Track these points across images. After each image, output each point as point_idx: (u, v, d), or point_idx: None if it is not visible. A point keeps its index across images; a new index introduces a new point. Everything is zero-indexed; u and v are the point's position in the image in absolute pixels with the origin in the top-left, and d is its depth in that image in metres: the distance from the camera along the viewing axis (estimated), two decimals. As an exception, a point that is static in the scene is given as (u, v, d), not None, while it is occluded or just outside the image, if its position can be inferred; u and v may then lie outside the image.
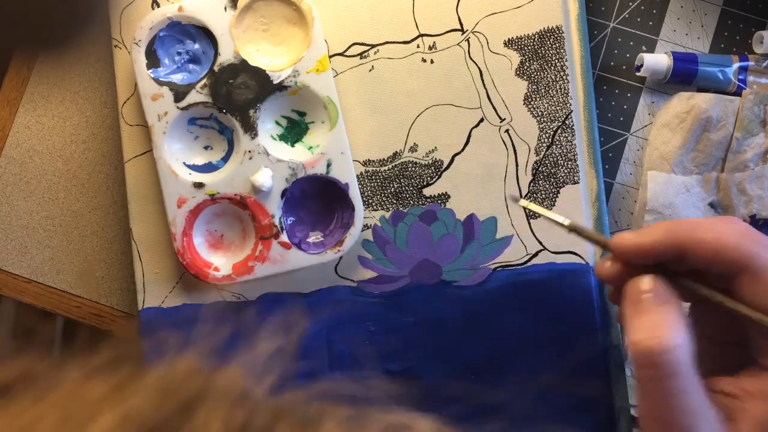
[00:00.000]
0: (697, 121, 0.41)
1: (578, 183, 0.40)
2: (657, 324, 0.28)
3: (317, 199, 0.40)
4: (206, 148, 0.40)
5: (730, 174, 0.41)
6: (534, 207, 0.35)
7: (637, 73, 0.42)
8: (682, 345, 0.27)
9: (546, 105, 0.40)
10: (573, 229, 0.32)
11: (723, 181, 0.41)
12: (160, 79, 0.39)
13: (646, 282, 0.29)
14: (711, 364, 0.29)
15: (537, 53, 0.40)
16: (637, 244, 0.30)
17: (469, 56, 0.40)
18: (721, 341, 0.31)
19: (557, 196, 0.40)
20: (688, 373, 0.27)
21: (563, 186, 0.40)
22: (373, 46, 0.40)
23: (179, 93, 0.39)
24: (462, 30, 0.40)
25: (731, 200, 0.41)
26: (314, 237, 0.40)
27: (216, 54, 0.39)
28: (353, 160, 0.40)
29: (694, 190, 0.41)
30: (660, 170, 0.41)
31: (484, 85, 0.40)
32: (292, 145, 0.40)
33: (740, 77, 0.42)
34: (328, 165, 0.39)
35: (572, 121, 0.40)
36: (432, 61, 0.40)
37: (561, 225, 0.33)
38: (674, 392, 0.27)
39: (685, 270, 0.30)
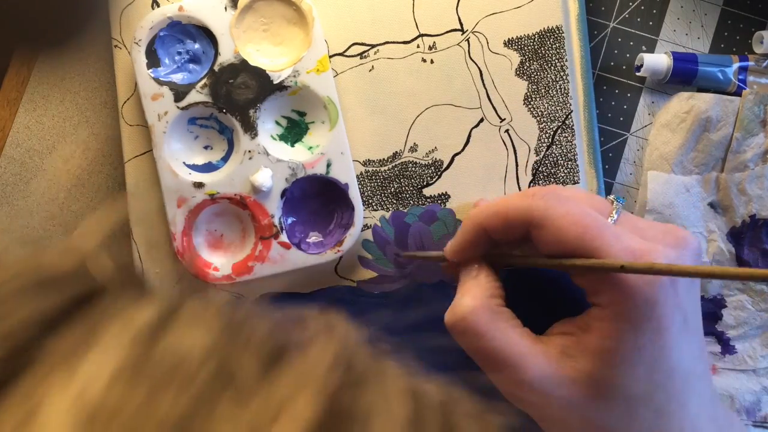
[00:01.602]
0: (697, 121, 0.41)
1: (578, 183, 0.40)
2: (458, 298, 0.32)
3: (317, 199, 0.40)
4: (206, 147, 0.40)
5: (730, 174, 0.41)
6: (411, 254, 0.40)
7: (637, 73, 0.42)
8: (478, 308, 0.31)
9: (546, 105, 0.40)
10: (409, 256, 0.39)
11: (723, 181, 0.41)
12: (160, 78, 0.39)
13: (463, 268, 0.34)
14: None
15: (537, 53, 0.40)
16: (454, 246, 0.34)
17: (469, 56, 0.40)
18: None
19: (557, 196, 0.40)
20: (493, 328, 0.31)
21: (563, 186, 0.40)
22: (373, 46, 0.40)
23: (179, 93, 0.39)
24: (462, 30, 0.40)
25: (731, 200, 0.41)
26: (314, 237, 0.40)
27: (216, 54, 0.39)
28: (353, 160, 0.40)
29: (693, 190, 0.41)
30: (660, 170, 0.41)
31: (484, 85, 0.40)
32: (292, 145, 0.40)
33: (740, 77, 0.42)
34: (328, 165, 0.39)
35: (572, 121, 0.40)
36: (432, 61, 0.40)
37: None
38: (486, 349, 0.31)
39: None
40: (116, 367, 0.13)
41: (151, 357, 0.13)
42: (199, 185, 0.39)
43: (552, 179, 0.40)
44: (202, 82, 0.39)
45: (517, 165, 0.40)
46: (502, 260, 0.34)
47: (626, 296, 0.29)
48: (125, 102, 0.40)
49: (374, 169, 0.41)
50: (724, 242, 0.42)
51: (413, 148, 0.40)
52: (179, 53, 0.40)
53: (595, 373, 0.29)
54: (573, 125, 0.40)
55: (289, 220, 0.40)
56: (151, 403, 0.12)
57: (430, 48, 0.40)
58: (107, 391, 0.12)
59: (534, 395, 0.30)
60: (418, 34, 0.40)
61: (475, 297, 0.32)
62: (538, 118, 0.40)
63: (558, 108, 0.40)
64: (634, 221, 0.33)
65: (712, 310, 0.42)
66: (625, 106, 0.43)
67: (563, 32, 0.40)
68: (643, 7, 0.43)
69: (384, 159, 0.40)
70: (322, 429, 0.13)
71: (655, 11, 0.43)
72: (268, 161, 0.39)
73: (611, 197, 0.35)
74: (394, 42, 0.40)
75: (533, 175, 0.40)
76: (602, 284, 0.30)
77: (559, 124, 0.40)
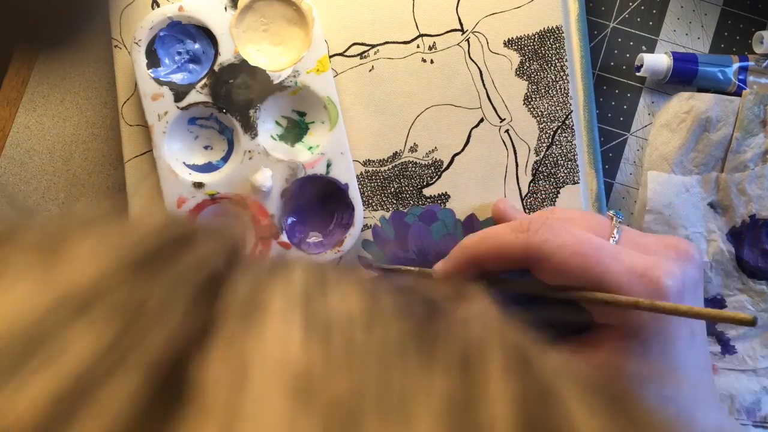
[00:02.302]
0: (697, 121, 0.41)
1: (578, 183, 0.40)
2: None
3: (317, 199, 0.40)
4: (206, 148, 0.40)
5: (730, 174, 0.41)
6: (385, 267, 0.39)
7: (637, 73, 0.42)
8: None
9: (546, 105, 0.40)
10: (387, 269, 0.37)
11: (723, 181, 0.41)
12: (160, 78, 0.39)
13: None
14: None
15: (537, 53, 0.40)
16: (446, 271, 0.34)
17: (469, 56, 0.40)
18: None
19: (557, 196, 0.40)
20: None
21: (563, 186, 0.40)
22: (373, 46, 0.40)
23: (179, 93, 0.39)
24: (462, 30, 0.40)
25: (731, 200, 0.41)
26: (314, 237, 0.40)
27: (216, 54, 0.39)
28: (353, 160, 0.40)
29: (693, 190, 0.41)
30: (660, 170, 0.41)
31: (484, 85, 0.40)
32: (292, 145, 0.40)
33: (740, 77, 0.42)
34: (328, 165, 0.39)
35: (572, 121, 0.40)
36: (432, 61, 0.40)
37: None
38: None
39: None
40: (301, 328, 0.13)
41: (317, 314, 0.13)
42: (199, 185, 0.39)
43: (552, 179, 0.40)
44: (202, 82, 0.39)
45: (517, 165, 0.40)
46: (503, 285, 0.34)
47: (635, 315, 0.29)
48: (125, 102, 0.40)
49: (374, 169, 0.40)
50: (724, 242, 0.42)
51: (413, 148, 0.40)
52: (179, 53, 0.40)
53: None
54: (573, 125, 0.40)
55: (289, 220, 0.40)
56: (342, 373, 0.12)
57: (430, 48, 0.40)
58: (305, 355, 0.12)
59: None
60: (418, 34, 0.40)
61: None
62: (538, 118, 0.40)
63: (558, 108, 0.40)
64: (636, 238, 0.32)
65: None
66: (625, 106, 0.43)
67: (563, 32, 0.40)
68: (643, 7, 0.43)
69: (384, 159, 0.40)
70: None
71: (655, 11, 0.43)
72: (268, 161, 0.39)
73: (610, 213, 0.34)
74: (394, 42, 0.40)
75: (533, 175, 0.40)
76: (610, 307, 0.30)
77: (559, 124, 0.40)
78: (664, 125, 0.42)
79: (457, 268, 0.33)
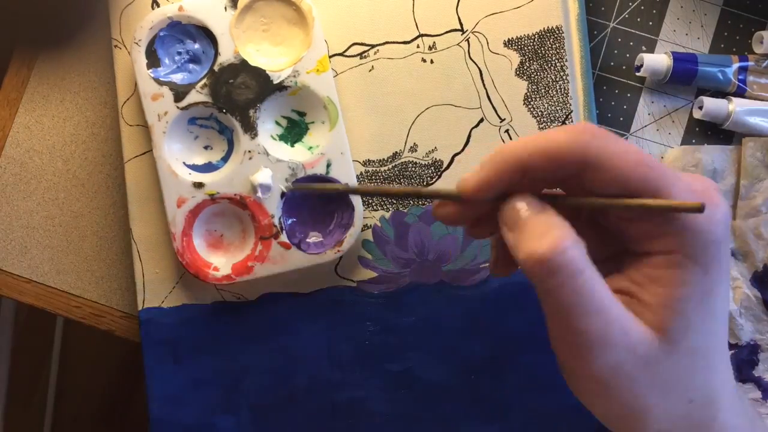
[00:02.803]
0: (705, 173, 0.42)
1: (578, 183, 0.40)
2: (544, 231, 0.27)
3: (317, 200, 0.40)
4: (206, 147, 0.40)
5: (744, 221, 0.42)
6: (304, 186, 0.36)
7: (637, 73, 0.42)
8: (577, 242, 0.27)
9: (546, 105, 0.40)
10: (348, 191, 0.32)
11: (738, 228, 0.42)
12: (160, 78, 0.39)
13: (519, 201, 0.28)
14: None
15: (537, 53, 0.40)
16: (478, 181, 0.28)
17: (469, 56, 0.40)
18: (596, 259, 0.29)
19: (557, 196, 0.40)
20: (591, 270, 0.27)
21: (563, 186, 0.40)
22: (373, 46, 0.40)
23: (179, 93, 0.39)
24: (462, 30, 0.40)
25: (749, 246, 0.42)
26: (314, 237, 0.40)
27: (216, 54, 0.39)
28: (353, 160, 0.40)
29: None
30: None
31: (484, 85, 0.40)
32: (292, 146, 0.40)
33: (740, 77, 0.42)
34: (328, 165, 0.39)
35: (572, 121, 0.40)
36: (432, 61, 0.40)
37: (341, 190, 0.32)
38: (583, 292, 0.26)
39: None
40: None
41: None
42: (199, 185, 0.39)
43: (552, 179, 0.40)
44: (202, 82, 0.39)
45: (517, 165, 0.40)
46: (550, 201, 0.29)
47: (697, 238, 0.27)
48: (125, 102, 0.40)
49: (374, 169, 0.41)
50: (749, 288, 0.42)
51: (413, 148, 0.40)
52: (179, 53, 0.40)
53: (668, 327, 0.27)
54: (573, 125, 0.40)
55: (289, 221, 0.40)
56: None
57: (430, 48, 0.40)
58: None
59: (615, 352, 0.27)
60: (418, 34, 0.40)
61: (568, 232, 0.27)
62: (538, 118, 0.40)
63: (558, 108, 0.40)
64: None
65: (748, 357, 0.42)
66: (625, 106, 0.43)
67: (563, 32, 0.40)
68: (643, 7, 0.43)
69: (384, 159, 0.40)
70: None
71: (655, 11, 0.43)
72: (268, 161, 0.39)
73: None
74: (394, 42, 0.40)
75: (533, 175, 0.40)
76: (665, 228, 0.27)
77: (559, 124, 0.40)
78: None
79: (496, 174, 0.28)
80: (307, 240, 0.40)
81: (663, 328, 0.27)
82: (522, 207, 0.28)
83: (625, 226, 0.29)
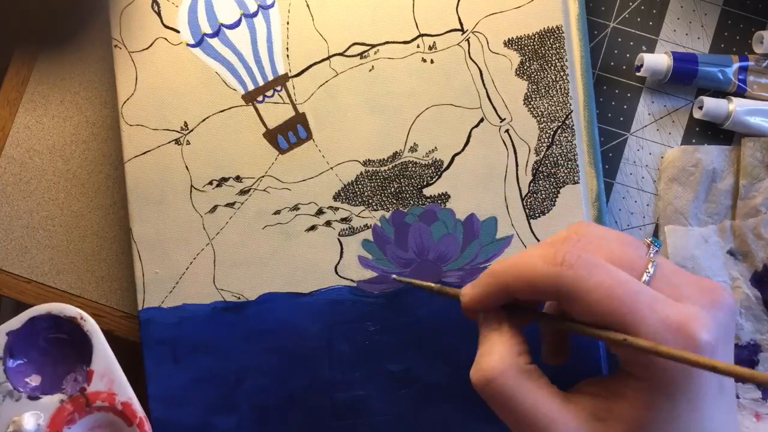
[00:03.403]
0: (705, 173, 0.42)
1: (578, 183, 0.40)
2: (483, 354, 0.31)
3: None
4: None
5: (744, 220, 0.42)
6: (405, 280, 0.39)
7: (637, 73, 0.42)
8: (507, 368, 0.30)
9: (546, 105, 0.40)
10: (439, 291, 0.36)
11: (738, 228, 0.42)
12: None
13: (482, 316, 0.33)
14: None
15: (537, 53, 0.40)
16: (472, 296, 0.33)
17: (469, 56, 0.40)
18: None
19: (557, 196, 0.40)
20: (523, 391, 0.30)
21: (563, 186, 0.40)
22: (373, 46, 0.40)
23: None
24: (462, 30, 0.40)
25: (749, 246, 0.42)
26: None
27: None
28: (353, 160, 0.40)
29: (711, 240, 0.42)
30: (677, 225, 0.42)
31: (484, 85, 0.40)
32: None
33: (740, 77, 0.42)
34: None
35: (572, 121, 0.40)
36: (432, 61, 0.40)
37: (430, 289, 0.36)
38: (516, 411, 0.30)
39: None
40: None
41: None
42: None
43: (552, 179, 0.40)
44: None
45: (517, 165, 0.40)
46: (528, 316, 0.33)
47: (663, 370, 0.28)
48: (125, 102, 0.40)
49: (374, 169, 0.41)
50: (749, 288, 0.42)
51: (413, 148, 0.40)
52: None
53: None
54: (573, 125, 0.40)
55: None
56: None
57: (430, 48, 0.40)
58: None
59: None
60: (418, 34, 0.40)
61: (502, 357, 0.30)
62: (538, 118, 0.40)
63: (558, 108, 0.40)
64: (671, 276, 0.31)
65: (748, 357, 0.42)
66: (625, 106, 0.43)
67: (563, 32, 0.40)
68: (643, 7, 0.43)
69: (384, 159, 0.40)
70: None
71: (655, 11, 0.43)
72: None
73: (648, 240, 0.32)
74: (394, 42, 0.40)
75: (533, 175, 0.40)
76: (638, 356, 0.28)
77: (559, 124, 0.40)
78: (673, 179, 0.42)
79: (486, 294, 0.32)
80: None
81: None
82: (481, 322, 0.33)
83: (611, 347, 0.30)
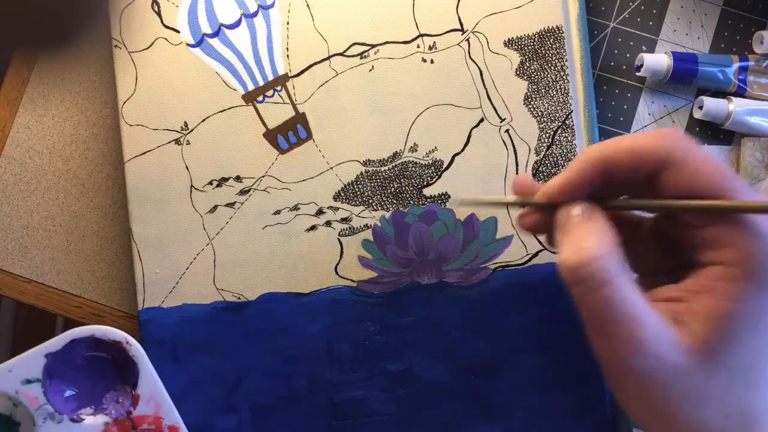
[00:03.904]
0: None
1: (578, 183, 0.40)
2: (580, 239, 0.28)
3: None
4: None
5: None
6: (473, 200, 0.36)
7: (637, 73, 0.42)
8: (608, 253, 0.28)
9: (546, 105, 0.40)
10: (523, 203, 0.32)
11: None
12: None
13: (572, 206, 0.30)
14: (653, 283, 0.30)
15: (537, 53, 0.40)
16: (563, 183, 0.30)
17: (469, 56, 0.40)
18: (658, 270, 0.31)
19: (557, 196, 0.40)
20: (621, 280, 0.27)
21: (563, 186, 0.40)
22: (373, 46, 0.40)
23: None
24: (462, 30, 0.40)
25: None
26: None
27: None
28: (353, 160, 0.40)
29: None
30: None
31: (484, 85, 0.40)
32: None
33: (740, 77, 0.42)
34: None
35: (572, 121, 0.40)
36: (432, 61, 0.40)
37: (508, 204, 0.33)
38: (609, 301, 0.27)
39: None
40: None
41: None
42: None
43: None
44: None
45: (517, 165, 0.40)
46: (607, 204, 0.30)
47: (759, 255, 0.26)
48: (125, 102, 0.40)
49: (374, 169, 0.41)
50: None
51: (413, 148, 0.40)
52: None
53: (710, 339, 0.27)
54: (573, 125, 0.40)
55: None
56: None
57: (430, 48, 0.40)
58: None
59: (644, 359, 0.27)
60: (418, 34, 0.40)
61: (603, 240, 0.28)
62: (538, 118, 0.40)
63: (558, 108, 0.40)
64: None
65: None
66: (625, 106, 0.43)
67: (563, 32, 0.40)
68: (643, 7, 0.43)
69: (384, 159, 0.40)
70: None
71: (655, 11, 0.43)
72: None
73: None
74: (394, 42, 0.40)
75: (533, 175, 0.40)
76: (727, 237, 0.27)
77: (559, 124, 0.40)
78: None
79: (578, 175, 0.30)
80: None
81: (704, 340, 0.27)
82: (571, 213, 0.30)
83: (690, 233, 0.29)
